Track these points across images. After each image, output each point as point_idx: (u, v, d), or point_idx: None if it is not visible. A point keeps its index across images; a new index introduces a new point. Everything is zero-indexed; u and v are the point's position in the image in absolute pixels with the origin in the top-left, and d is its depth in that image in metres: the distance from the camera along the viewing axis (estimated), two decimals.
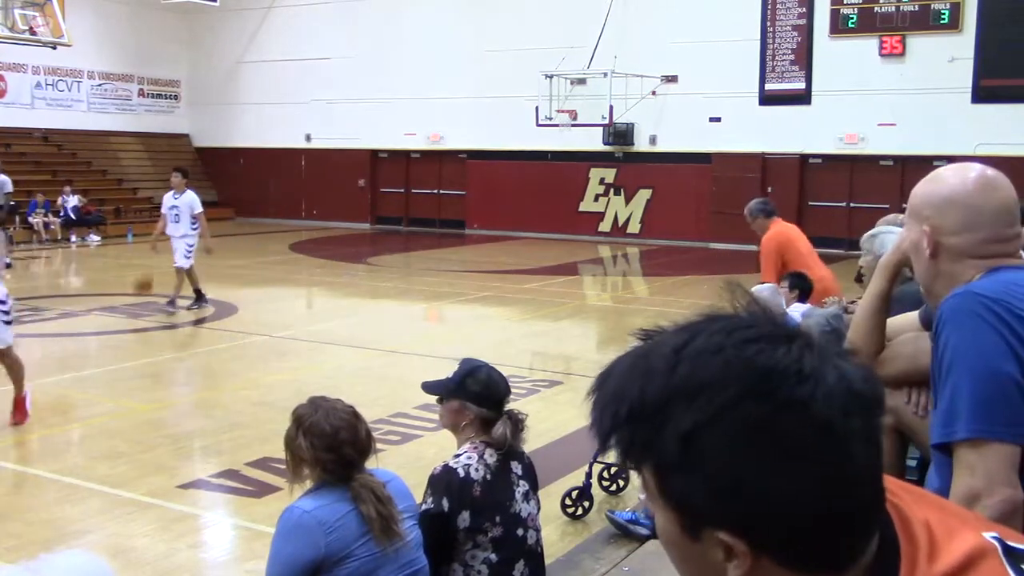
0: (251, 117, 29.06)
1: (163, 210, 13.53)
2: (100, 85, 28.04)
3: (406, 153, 27.17)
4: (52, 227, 22.05)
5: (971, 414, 1.82)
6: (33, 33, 22.94)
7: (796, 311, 5.68)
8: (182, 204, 13.21)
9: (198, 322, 12.36)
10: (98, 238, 22.48)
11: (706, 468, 0.87)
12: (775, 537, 0.88)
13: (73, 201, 22.60)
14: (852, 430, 0.88)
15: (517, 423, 3.38)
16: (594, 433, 0.95)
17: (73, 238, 22.09)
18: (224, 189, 29.81)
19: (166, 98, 30.10)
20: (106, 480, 6.26)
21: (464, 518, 3.20)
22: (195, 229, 13.18)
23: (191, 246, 13.09)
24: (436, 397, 3.48)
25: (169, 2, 27.60)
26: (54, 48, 24.04)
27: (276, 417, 7.76)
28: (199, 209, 13.28)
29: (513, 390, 3.51)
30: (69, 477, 6.34)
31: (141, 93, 29.29)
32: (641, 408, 0.90)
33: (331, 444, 2.94)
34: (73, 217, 22.50)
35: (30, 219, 22.02)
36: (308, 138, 28.19)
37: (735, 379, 0.88)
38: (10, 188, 21.81)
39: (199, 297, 13.11)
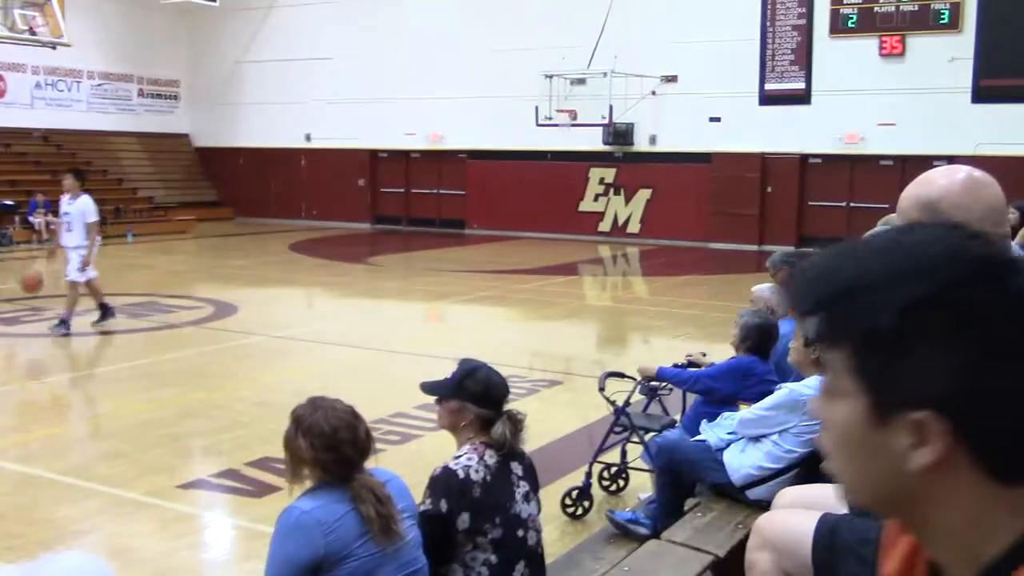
0: (251, 117, 29.06)
1: (59, 217, 11.88)
2: (100, 85, 28.04)
3: (406, 153, 27.18)
4: (52, 227, 22.03)
5: None
6: (33, 33, 22.94)
7: None
8: (74, 211, 11.41)
9: (198, 322, 12.35)
10: (98, 238, 22.44)
11: (924, 345, 0.86)
12: (983, 424, 0.86)
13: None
14: None
15: (516, 423, 3.38)
16: (798, 310, 0.95)
17: None
18: (224, 189, 29.84)
19: (166, 98, 30.11)
20: (106, 480, 6.26)
21: (464, 519, 3.20)
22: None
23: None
24: (435, 397, 3.48)
25: (169, 2, 27.60)
26: (54, 48, 24.04)
27: (276, 417, 7.75)
28: (92, 219, 11.46)
29: (513, 390, 3.51)
30: (69, 477, 6.34)
31: (141, 93, 29.29)
32: (858, 283, 0.89)
33: (330, 444, 2.94)
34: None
35: (31, 219, 22.02)
36: (308, 138, 28.20)
37: (961, 261, 0.88)
38: None
39: (104, 312, 11.65)
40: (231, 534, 5.75)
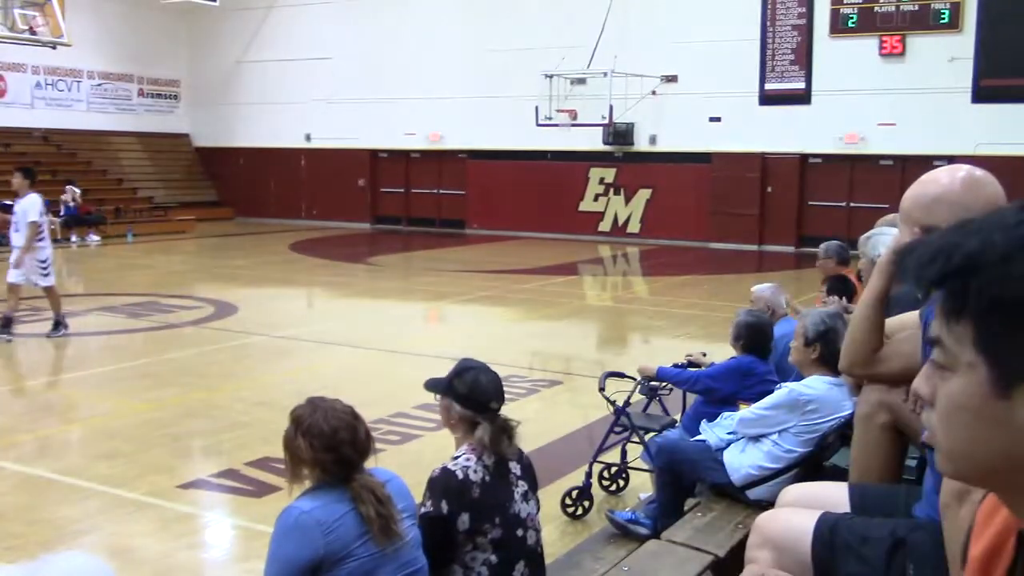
0: (251, 117, 29.06)
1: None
2: (100, 85, 28.04)
3: (406, 153, 27.18)
4: (52, 227, 21.99)
5: None
6: (33, 33, 22.93)
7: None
8: (19, 210, 10.91)
9: (198, 322, 12.35)
10: (98, 238, 22.48)
11: None
12: None
13: (74, 211, 22.56)
14: None
15: (506, 430, 3.37)
16: (917, 283, 0.96)
17: (73, 238, 22.09)
18: (224, 189, 29.84)
19: (166, 98, 30.11)
20: (106, 480, 6.26)
21: (464, 520, 3.20)
22: (40, 241, 10.99)
23: (43, 261, 10.99)
24: (436, 397, 3.49)
25: (169, 2, 27.60)
26: (54, 48, 24.04)
27: (276, 417, 7.75)
28: (32, 218, 10.78)
29: (513, 390, 3.52)
30: (69, 477, 6.34)
31: (141, 93, 29.30)
32: (983, 255, 0.90)
33: (330, 444, 2.94)
34: (72, 210, 22.44)
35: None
36: (308, 138, 28.20)
37: None
38: None
39: (57, 325, 11.11)
40: (231, 534, 5.75)
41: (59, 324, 11.10)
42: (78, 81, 27.48)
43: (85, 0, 26.14)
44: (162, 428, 7.61)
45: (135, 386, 9.20)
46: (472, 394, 3.33)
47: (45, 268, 10.98)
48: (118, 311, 12.98)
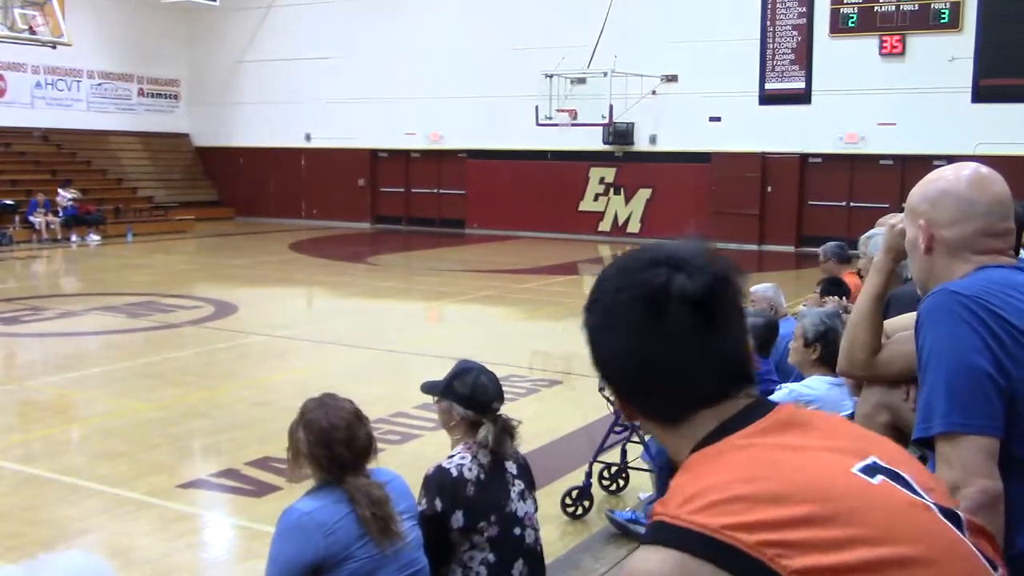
0: (251, 116, 29.07)
1: None
2: (100, 84, 28.04)
3: (406, 152, 27.18)
4: (52, 226, 22.06)
5: (946, 408, 1.86)
6: (33, 32, 22.93)
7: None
8: None
9: (198, 322, 12.35)
10: (98, 238, 22.49)
11: None
12: None
13: (69, 196, 22.56)
14: None
15: (507, 429, 3.38)
16: None
17: (73, 237, 22.09)
18: (224, 188, 29.84)
19: (166, 97, 30.11)
20: (106, 480, 6.26)
21: (458, 518, 3.21)
22: None
23: None
24: (433, 397, 3.50)
25: (169, 1, 27.60)
26: (54, 47, 24.04)
27: (276, 417, 7.76)
28: None
29: (512, 390, 3.52)
30: (69, 477, 6.34)
31: (141, 92, 29.29)
32: None
33: (325, 441, 2.95)
34: (71, 211, 22.46)
35: (30, 218, 22.03)
36: (308, 137, 28.21)
37: None
38: None
39: None
40: (231, 534, 5.75)
41: None
42: (78, 81, 27.48)
43: (85, 0, 26.14)
44: (162, 428, 7.61)
45: (135, 386, 9.20)
46: (473, 395, 3.34)
47: None
48: (118, 311, 12.98)
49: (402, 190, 27.55)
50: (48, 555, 1.80)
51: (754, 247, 22.39)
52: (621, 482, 5.95)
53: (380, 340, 11.26)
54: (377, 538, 2.88)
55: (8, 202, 22.37)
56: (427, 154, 26.81)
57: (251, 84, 29.02)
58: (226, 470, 6.48)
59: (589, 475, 5.62)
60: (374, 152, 27.57)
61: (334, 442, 2.95)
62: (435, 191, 27.06)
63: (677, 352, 1.23)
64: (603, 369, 1.30)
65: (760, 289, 6.06)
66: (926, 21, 20.69)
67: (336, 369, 9.79)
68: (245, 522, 5.69)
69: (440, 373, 3.53)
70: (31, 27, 22.86)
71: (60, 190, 22.55)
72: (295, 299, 15.54)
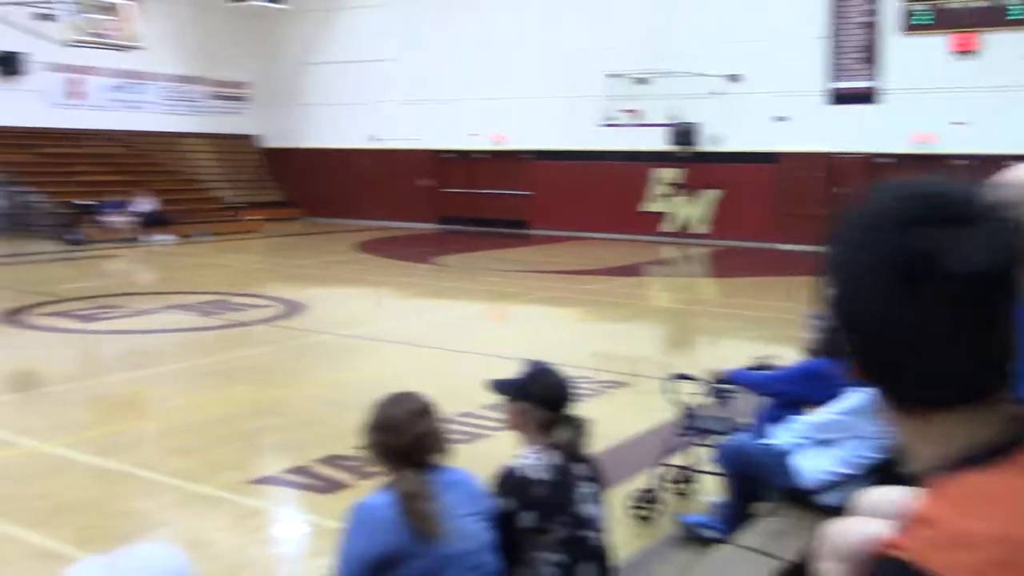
0: (317, 118, 29.44)
1: None
2: (171, 87, 28.65)
3: (470, 153, 27.30)
4: (126, 226, 22.59)
5: None
6: (108, 37, 23.50)
7: None
8: None
9: (268, 320, 12.55)
10: (170, 237, 22.96)
11: None
12: None
13: (147, 205, 23.14)
14: None
15: (579, 428, 3.39)
16: None
17: (146, 237, 22.59)
18: (291, 189, 30.25)
19: (234, 99, 30.63)
20: (179, 474, 6.39)
21: (527, 518, 3.21)
22: None
23: None
24: (501, 397, 3.50)
25: (238, 6, 28.07)
26: (129, 51, 24.63)
27: (344, 415, 7.85)
28: None
29: (578, 391, 3.52)
30: (144, 471, 6.49)
31: (210, 95, 29.86)
32: None
33: (384, 432, 2.99)
34: (148, 212, 23.07)
35: (105, 219, 22.58)
36: (373, 138, 28.46)
37: None
38: None
39: None
40: (301, 530, 5.84)
41: None
42: (150, 84, 28.10)
43: (157, 5, 26.71)
44: (233, 424, 7.76)
45: (207, 383, 9.39)
46: (550, 395, 3.35)
47: None
48: (190, 309, 13.25)
49: (466, 191, 27.67)
50: (129, 546, 1.85)
51: (822, 249, 22.02)
52: (689, 485, 5.92)
53: (445, 340, 11.33)
54: (416, 534, 2.88)
55: (84, 202, 22.94)
56: (490, 155, 26.89)
57: (317, 86, 29.40)
58: (296, 467, 6.57)
59: (656, 478, 5.60)
60: (438, 153, 27.73)
61: (393, 434, 2.99)
62: (498, 192, 27.12)
63: (936, 330, 0.95)
64: (846, 339, 1.03)
65: None
66: (998, 18, 20.20)
67: (402, 368, 9.87)
68: (314, 518, 5.77)
69: (505, 373, 3.54)
70: (107, 32, 23.44)
71: (138, 198, 23.09)
72: (361, 299, 15.71)
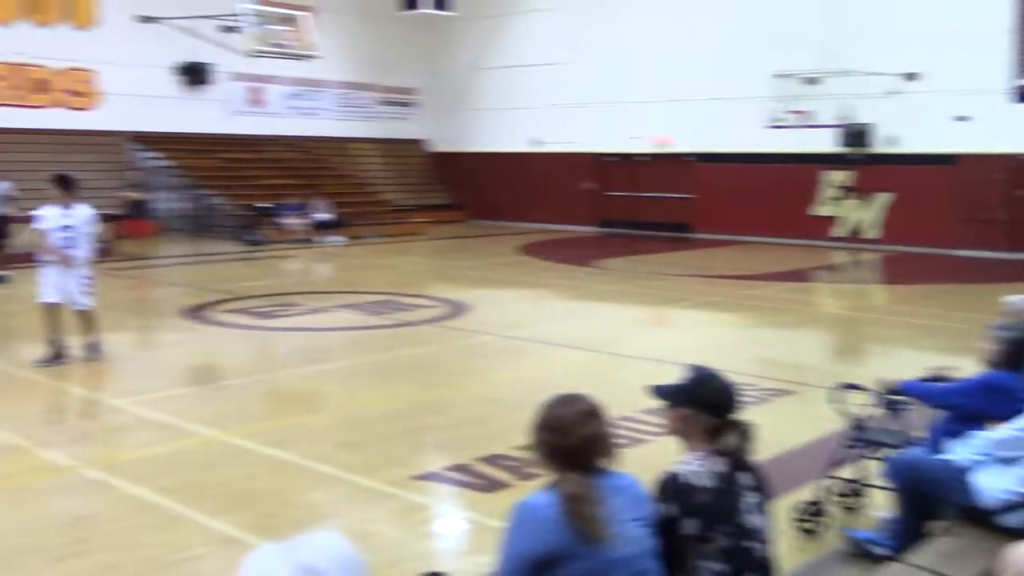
0: (482, 122, 29.94)
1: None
2: (343, 94, 29.76)
3: (632, 156, 27.16)
4: (301, 228, 23.61)
5: None
6: (287, 47, 24.64)
7: None
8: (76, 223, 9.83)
9: (433, 320, 12.85)
10: (340, 239, 23.82)
11: None
12: None
13: (324, 214, 24.15)
14: None
15: (746, 433, 3.33)
16: None
17: (320, 239, 23.53)
18: (456, 192, 30.87)
19: (403, 105, 31.51)
20: (348, 468, 6.62)
21: (690, 525, 3.17)
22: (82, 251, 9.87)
23: (87, 278, 9.96)
24: (663, 402, 3.46)
25: (408, 14, 28.85)
26: (305, 60, 25.74)
27: (506, 415, 7.98)
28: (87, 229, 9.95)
29: (741, 398, 3.45)
30: (315, 463, 6.76)
31: (380, 101, 30.84)
32: None
33: (549, 431, 3.01)
34: (322, 216, 24.10)
35: (283, 221, 23.66)
36: (536, 142, 28.70)
37: None
38: (10, 193, 17.94)
39: (61, 355, 9.87)
40: (462, 527, 5.94)
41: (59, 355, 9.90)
42: (324, 91, 29.28)
43: (331, 15, 27.80)
44: (398, 421, 7.98)
45: (374, 380, 9.70)
46: (715, 400, 3.31)
47: (87, 286, 9.94)
48: (360, 308, 13.71)
49: (628, 194, 27.54)
50: (304, 535, 1.93)
51: (1004, 255, 20.86)
52: (858, 499, 5.72)
53: (606, 343, 11.32)
54: (580, 537, 2.88)
55: (263, 205, 24.09)
56: (653, 157, 26.68)
57: (482, 91, 29.90)
58: (457, 465, 6.70)
59: (823, 490, 5.43)
60: (600, 156, 27.72)
61: (560, 435, 3.00)
62: (661, 195, 26.88)
63: None
64: None
65: (1015, 301, 5.68)
66: None
67: (563, 370, 9.92)
68: (476, 516, 5.87)
69: (666, 378, 3.50)
70: (285, 42, 24.57)
71: (316, 204, 24.12)
72: (524, 301, 15.87)
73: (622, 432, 7.13)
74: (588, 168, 27.87)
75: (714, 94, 24.39)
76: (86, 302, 9.92)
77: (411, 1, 28.43)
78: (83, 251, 9.84)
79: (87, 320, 9.99)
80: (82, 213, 9.86)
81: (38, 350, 9.89)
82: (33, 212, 10.18)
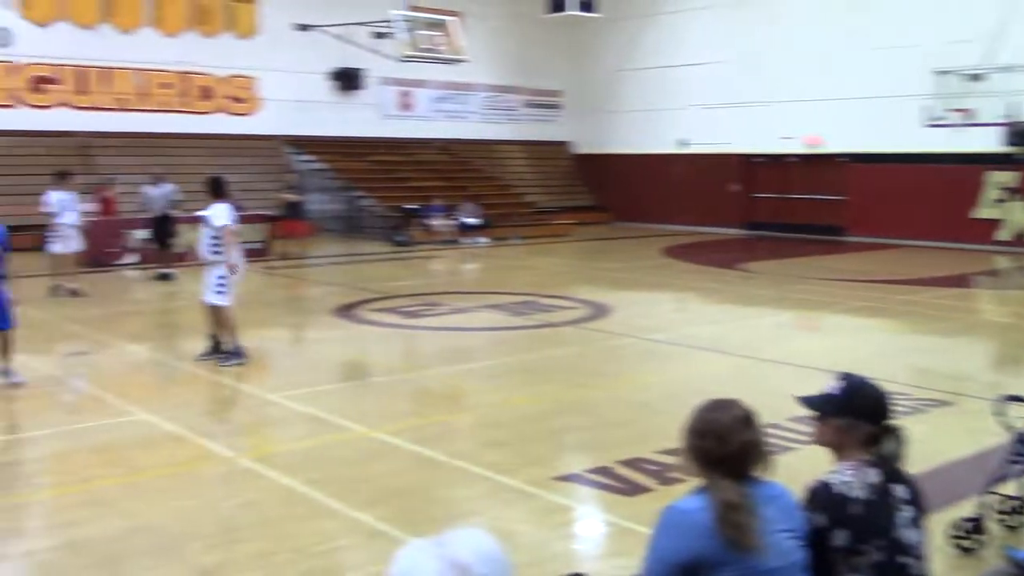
0: (627, 123, 29.80)
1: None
2: (489, 97, 30.14)
3: (782, 157, 26.52)
4: (448, 230, 24.06)
5: None
6: (437, 52, 25.13)
7: None
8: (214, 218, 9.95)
9: (575, 322, 12.87)
10: (484, 239, 24.13)
11: None
12: None
13: (472, 217, 24.57)
14: None
15: (903, 441, 3.21)
16: None
17: (466, 240, 23.91)
18: (600, 194, 30.82)
19: (548, 107, 31.67)
20: (491, 467, 6.69)
21: (841, 536, 3.07)
22: (219, 253, 9.95)
23: (221, 277, 9.95)
24: (813, 412, 3.36)
25: (553, 16, 28.99)
26: (454, 64, 26.20)
27: (648, 418, 7.93)
28: (220, 223, 9.92)
29: (895, 407, 3.32)
30: (459, 461, 6.86)
31: (525, 103, 31.10)
32: None
33: (701, 436, 2.96)
34: (468, 219, 24.51)
35: (430, 222, 24.16)
36: (683, 143, 28.37)
37: None
38: (174, 195, 17.90)
39: (219, 350, 10.13)
40: (603, 529, 5.93)
41: (228, 351, 10.09)
42: (471, 94, 29.73)
43: (478, 19, 28.21)
44: (541, 421, 8.03)
45: (516, 380, 9.78)
46: (870, 408, 3.20)
47: (221, 285, 9.97)
48: (503, 308, 13.85)
49: (777, 195, 26.92)
50: (452, 532, 1.96)
51: None
52: (1019, 517, 5.43)
53: (752, 348, 11.08)
54: (728, 545, 2.82)
55: (411, 207, 24.64)
56: (804, 158, 25.99)
57: (627, 92, 29.75)
58: (599, 467, 6.69)
59: (983, 506, 5.18)
60: (749, 157, 27.18)
61: (715, 440, 2.94)
62: (812, 196, 26.15)
63: None
64: None
65: None
66: None
67: (707, 375, 9.78)
68: (617, 519, 5.84)
69: (815, 385, 3.40)
70: (434, 47, 25.07)
71: (465, 207, 24.59)
72: (668, 303, 15.71)
73: (770, 440, 6.98)
74: (736, 169, 27.38)
75: (869, 92, 23.57)
76: (217, 300, 9.99)
77: (557, 3, 28.54)
78: (220, 251, 9.89)
79: (219, 318, 10.07)
80: (220, 212, 9.90)
81: (200, 345, 10.38)
82: (199, 212, 10.48)
